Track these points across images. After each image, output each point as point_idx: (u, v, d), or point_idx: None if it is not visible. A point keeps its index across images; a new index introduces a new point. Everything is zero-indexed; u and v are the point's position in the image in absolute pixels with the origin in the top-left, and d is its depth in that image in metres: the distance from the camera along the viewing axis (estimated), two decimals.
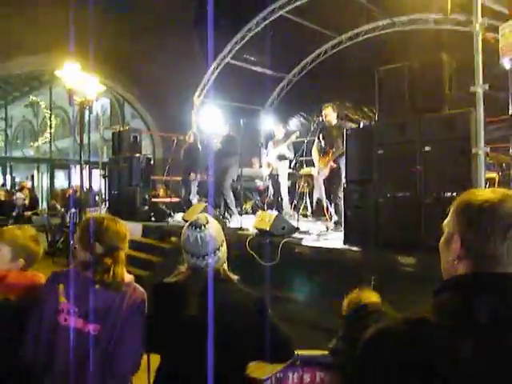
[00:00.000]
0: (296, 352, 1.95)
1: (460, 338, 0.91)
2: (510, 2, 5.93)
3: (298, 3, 9.06)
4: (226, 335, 1.65)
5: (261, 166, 8.41)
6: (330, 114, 6.62)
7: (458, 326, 0.93)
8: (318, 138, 6.85)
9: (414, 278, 4.17)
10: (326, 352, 2.15)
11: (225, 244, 1.88)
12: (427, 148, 4.36)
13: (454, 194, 4.21)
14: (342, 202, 6.39)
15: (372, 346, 1.03)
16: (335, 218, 6.48)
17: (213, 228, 1.82)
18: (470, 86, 4.11)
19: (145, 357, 1.98)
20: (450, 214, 1.16)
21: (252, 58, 11.20)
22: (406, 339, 0.96)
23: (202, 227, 1.79)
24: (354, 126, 6.18)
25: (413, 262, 4.21)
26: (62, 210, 10.75)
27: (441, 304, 1.03)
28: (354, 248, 4.83)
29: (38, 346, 1.80)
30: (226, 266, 1.89)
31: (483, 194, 1.08)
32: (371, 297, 1.91)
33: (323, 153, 6.72)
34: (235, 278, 1.86)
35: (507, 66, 6.21)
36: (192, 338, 1.69)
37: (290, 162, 8.26)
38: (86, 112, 9.47)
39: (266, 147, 8.43)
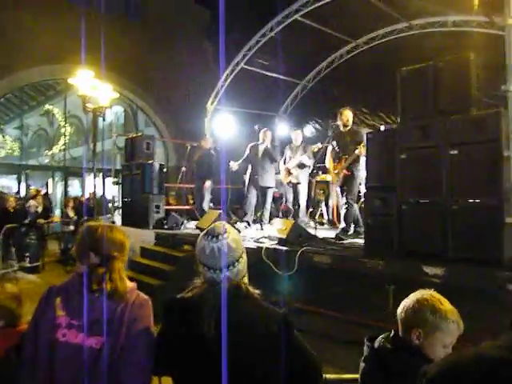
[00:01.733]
0: (324, 376, 1.74)
1: None
2: None
3: (312, 7, 8.88)
4: (245, 358, 1.45)
5: (277, 173, 8.18)
6: (350, 117, 6.45)
7: None
8: (332, 145, 6.69)
9: (441, 289, 3.92)
10: (356, 375, 1.96)
11: (245, 255, 1.68)
12: (454, 152, 4.12)
13: (483, 200, 3.97)
14: (353, 209, 6.24)
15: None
16: (343, 224, 6.31)
17: (231, 238, 1.62)
18: (490, 90, 3.90)
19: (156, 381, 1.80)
20: None
21: (266, 63, 11.04)
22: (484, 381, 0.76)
23: (220, 237, 1.60)
24: (369, 131, 6.00)
25: (440, 273, 3.97)
26: (75, 217, 10.67)
27: None
28: (376, 257, 4.60)
29: (35, 369, 1.63)
30: (246, 279, 1.69)
31: None
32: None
33: (338, 159, 6.54)
34: (256, 292, 1.64)
35: None
36: (207, 362, 1.50)
37: (310, 168, 8.09)
38: (100, 120, 9.44)
39: (283, 154, 8.23)
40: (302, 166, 7.92)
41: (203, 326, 1.51)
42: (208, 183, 8.79)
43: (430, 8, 8.58)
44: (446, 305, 1.75)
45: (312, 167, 8.07)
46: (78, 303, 1.67)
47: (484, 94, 4.71)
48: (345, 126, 6.49)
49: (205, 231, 1.65)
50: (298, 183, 7.98)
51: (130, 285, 1.78)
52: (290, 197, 8.24)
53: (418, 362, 1.46)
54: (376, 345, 1.81)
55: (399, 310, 1.82)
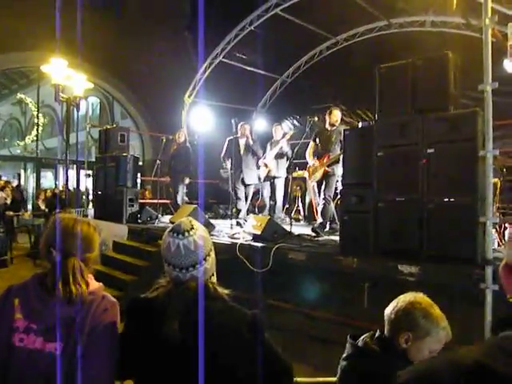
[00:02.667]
0: (295, 379, 1.67)
1: None
2: None
3: (293, 1, 8.80)
4: (213, 363, 1.36)
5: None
6: (339, 118, 6.45)
7: None
8: (314, 141, 6.64)
9: (415, 287, 3.92)
10: (327, 379, 1.90)
11: (213, 253, 1.59)
12: (430, 150, 4.10)
13: (458, 199, 3.97)
14: (331, 206, 6.23)
15: None
16: (320, 219, 6.28)
17: (198, 234, 1.52)
18: (468, 89, 3.89)
19: None
20: None
21: (245, 57, 10.93)
22: None
23: (186, 233, 1.50)
24: (347, 128, 5.98)
25: (415, 271, 3.96)
26: (47, 210, 10.39)
27: (508, 344, 0.75)
28: (351, 254, 4.57)
29: None
30: (214, 278, 1.60)
31: None
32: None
33: (318, 156, 6.51)
34: (225, 292, 1.55)
35: (510, 69, 6.03)
36: (172, 366, 1.41)
37: (288, 159, 8.00)
38: (75, 110, 9.18)
39: (264, 149, 8.13)
40: (280, 156, 7.85)
41: (167, 328, 1.41)
42: (187, 179, 8.64)
43: (410, 7, 8.61)
44: (437, 310, 1.71)
45: (290, 158, 8.00)
46: (36, 306, 1.55)
47: (462, 94, 4.72)
48: (332, 125, 6.45)
49: (170, 227, 1.55)
50: (275, 177, 7.91)
51: (95, 286, 1.65)
52: (266, 192, 8.17)
53: (402, 365, 1.41)
54: (360, 344, 1.76)
55: (389, 310, 1.77)
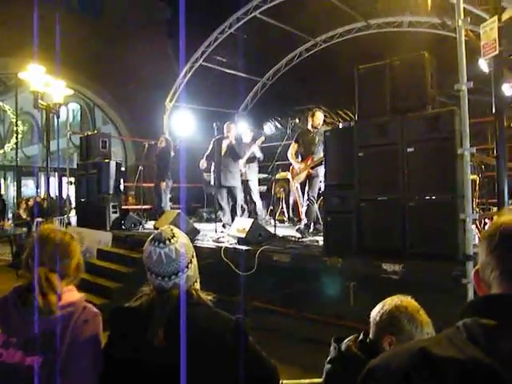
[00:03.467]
0: (281, 382, 1.68)
1: None
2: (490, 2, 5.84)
3: (271, 4, 8.85)
4: (198, 371, 1.37)
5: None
6: (321, 120, 6.47)
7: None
8: (297, 142, 6.64)
9: (399, 285, 3.97)
10: (313, 380, 1.92)
11: (195, 260, 1.59)
12: (410, 149, 4.17)
13: (438, 196, 4.04)
14: (315, 206, 6.27)
15: None
16: (305, 220, 6.32)
17: (180, 242, 1.53)
18: (449, 87, 3.97)
19: None
20: None
21: (225, 61, 10.94)
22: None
23: (167, 242, 1.50)
24: (328, 129, 6.03)
25: (398, 269, 4.01)
26: (28, 219, 10.25)
27: (455, 334, 0.78)
28: (335, 255, 4.60)
29: None
30: (197, 285, 1.60)
31: None
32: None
33: (301, 157, 6.53)
34: (208, 298, 1.55)
35: (485, 68, 6.15)
36: (157, 375, 1.40)
37: (259, 163, 8.02)
38: (55, 117, 9.07)
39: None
40: (250, 160, 7.87)
41: (152, 336, 1.41)
42: (168, 183, 8.58)
43: (387, 8, 8.72)
44: (423, 315, 1.70)
45: (261, 160, 8.03)
46: (15, 319, 1.52)
47: (441, 92, 4.81)
48: (314, 127, 6.48)
49: (151, 236, 1.55)
50: (248, 180, 7.92)
51: (76, 297, 1.62)
52: (245, 196, 8.15)
53: None
54: (343, 347, 1.75)
55: (374, 312, 1.76)
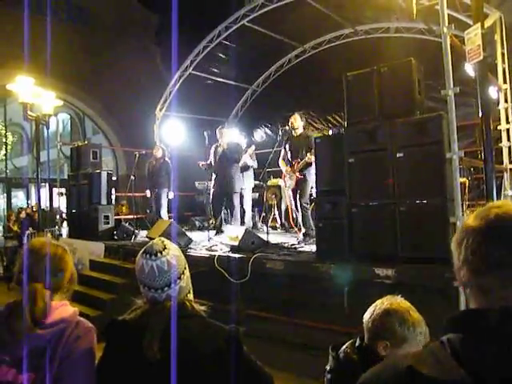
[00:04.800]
0: None
1: None
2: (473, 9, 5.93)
3: (259, 12, 8.90)
4: (193, 381, 1.37)
5: None
6: (296, 123, 6.47)
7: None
8: (285, 148, 6.69)
9: (393, 290, 3.99)
10: None
11: (187, 271, 1.60)
12: (400, 154, 4.21)
13: (429, 201, 4.08)
14: (309, 213, 6.27)
15: None
16: (303, 229, 6.32)
17: (171, 254, 1.53)
18: (433, 93, 4.03)
19: None
20: None
21: (215, 70, 10.98)
22: None
23: (158, 254, 1.51)
24: (318, 134, 6.06)
25: (391, 274, 4.03)
26: (19, 231, 10.16)
27: (439, 350, 0.80)
28: (328, 261, 4.62)
29: None
30: (191, 295, 1.61)
31: None
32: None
33: (289, 163, 6.56)
34: (202, 309, 1.56)
35: (471, 72, 6.23)
36: None
37: (254, 172, 8.03)
38: (44, 128, 9.03)
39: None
40: (244, 168, 7.87)
41: (146, 349, 1.41)
42: (171, 193, 8.60)
43: (374, 14, 8.81)
44: (414, 315, 1.70)
45: (255, 168, 8.03)
46: (7, 337, 1.50)
47: (429, 97, 4.87)
48: (294, 130, 6.52)
49: (143, 249, 1.56)
50: (242, 188, 7.91)
51: (69, 312, 1.60)
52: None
53: None
54: (341, 355, 1.76)
55: (366, 317, 1.76)
